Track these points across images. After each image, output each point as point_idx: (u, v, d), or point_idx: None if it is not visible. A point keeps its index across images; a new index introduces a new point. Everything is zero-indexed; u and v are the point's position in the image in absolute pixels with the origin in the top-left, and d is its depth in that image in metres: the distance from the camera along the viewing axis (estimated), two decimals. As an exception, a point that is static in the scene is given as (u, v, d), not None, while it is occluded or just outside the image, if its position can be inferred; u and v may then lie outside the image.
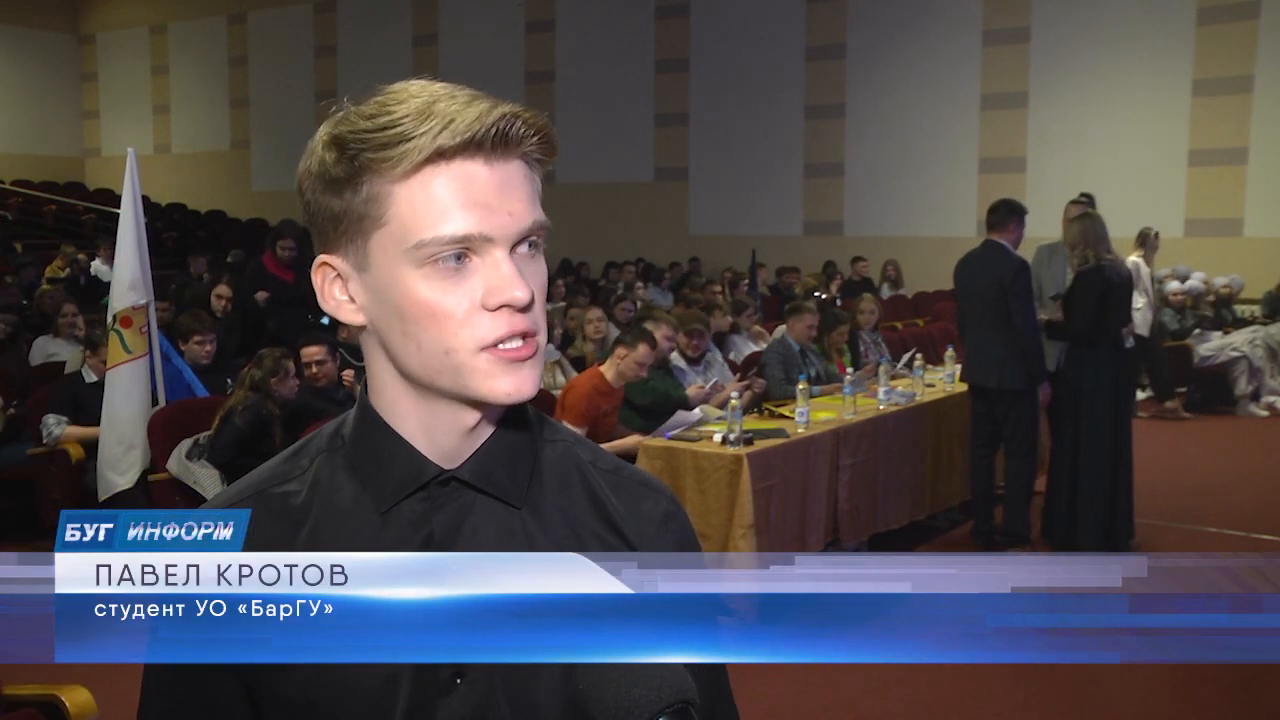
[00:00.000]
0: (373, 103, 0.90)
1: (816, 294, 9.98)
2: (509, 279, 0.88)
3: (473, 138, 0.87)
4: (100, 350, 5.53)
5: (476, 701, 0.93)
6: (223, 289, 7.79)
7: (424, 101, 0.88)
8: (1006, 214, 5.55)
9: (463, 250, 0.89)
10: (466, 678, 0.92)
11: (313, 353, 5.41)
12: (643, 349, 5.14)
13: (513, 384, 0.90)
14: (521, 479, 0.98)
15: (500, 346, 0.89)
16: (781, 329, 6.83)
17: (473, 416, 0.95)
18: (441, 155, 0.88)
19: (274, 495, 0.97)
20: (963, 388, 5.95)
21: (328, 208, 0.92)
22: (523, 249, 0.91)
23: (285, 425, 4.84)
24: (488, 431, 0.97)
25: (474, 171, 0.89)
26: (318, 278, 0.96)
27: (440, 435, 0.96)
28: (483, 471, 0.96)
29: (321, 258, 0.95)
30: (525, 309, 0.90)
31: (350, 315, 0.95)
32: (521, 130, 0.90)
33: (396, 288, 0.90)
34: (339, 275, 0.94)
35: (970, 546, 5.68)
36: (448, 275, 0.89)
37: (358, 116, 0.90)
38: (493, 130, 0.88)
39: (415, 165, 0.88)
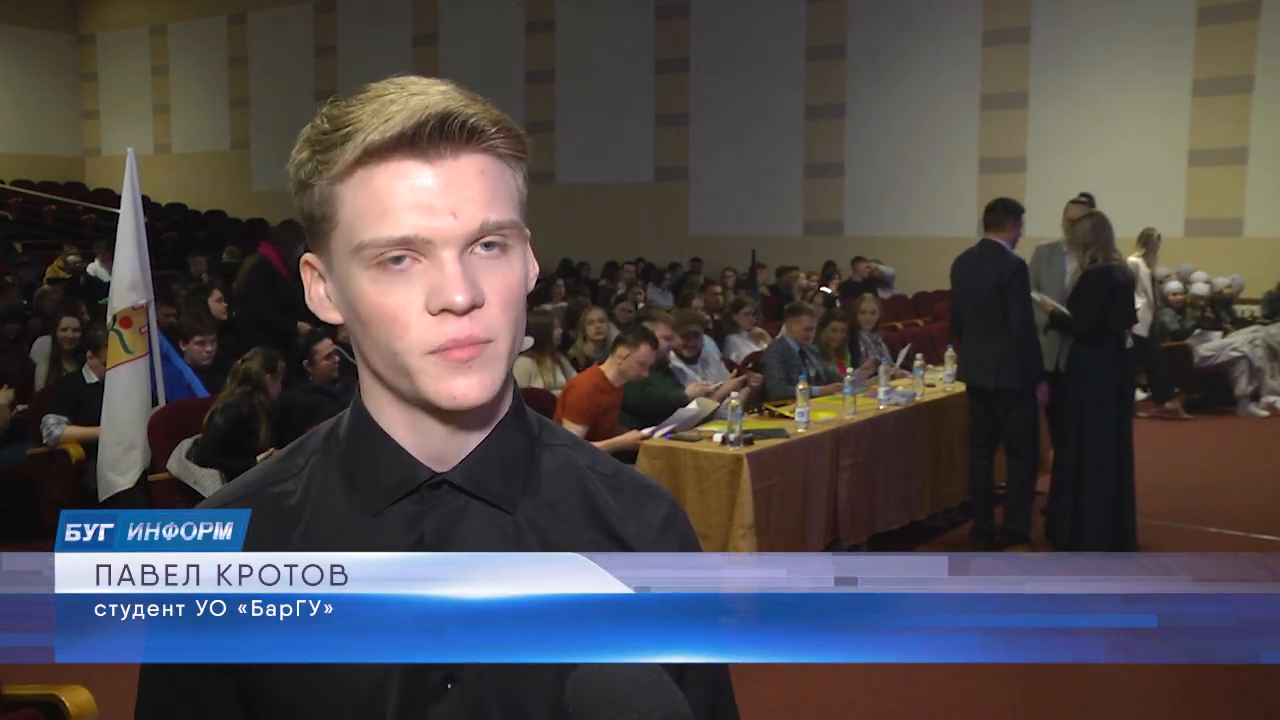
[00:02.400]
0: (351, 100, 0.89)
1: (826, 291, 9.98)
2: (449, 282, 0.85)
3: (402, 135, 0.84)
4: (100, 350, 5.53)
5: (468, 707, 0.91)
6: (216, 293, 7.85)
7: (386, 100, 0.86)
8: (1004, 213, 5.55)
9: (404, 252, 0.86)
10: (458, 683, 0.91)
11: (327, 347, 5.48)
12: (644, 348, 5.14)
13: (459, 388, 0.88)
14: (516, 483, 0.97)
15: (445, 351, 0.87)
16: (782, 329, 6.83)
17: (454, 420, 0.93)
18: (373, 154, 0.85)
19: (269, 495, 0.97)
20: (962, 388, 5.94)
21: (301, 207, 0.92)
22: (480, 249, 0.88)
23: (274, 422, 4.85)
24: (482, 434, 0.96)
25: (411, 170, 0.86)
26: (305, 276, 0.96)
27: (429, 438, 0.94)
28: (475, 475, 0.95)
29: (305, 256, 0.96)
30: (469, 312, 0.86)
31: (329, 314, 0.95)
32: (464, 127, 0.86)
33: (350, 288, 0.90)
34: (319, 274, 0.95)
35: (970, 546, 5.67)
36: (392, 276, 0.87)
37: (326, 117, 0.89)
38: (427, 126, 0.84)
39: (349, 165, 0.86)
